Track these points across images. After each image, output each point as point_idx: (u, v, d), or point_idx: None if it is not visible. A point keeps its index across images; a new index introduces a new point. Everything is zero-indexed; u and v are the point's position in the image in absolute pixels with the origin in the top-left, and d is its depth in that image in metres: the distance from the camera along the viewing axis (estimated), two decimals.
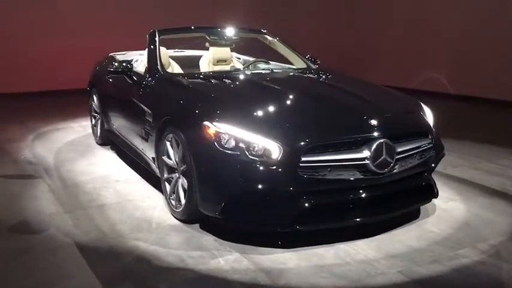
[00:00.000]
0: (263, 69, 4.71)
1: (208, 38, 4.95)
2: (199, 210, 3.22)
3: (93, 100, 5.73)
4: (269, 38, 5.23)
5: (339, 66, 10.78)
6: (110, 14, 9.32)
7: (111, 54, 5.74)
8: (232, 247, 3.12)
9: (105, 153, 5.37)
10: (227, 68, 5.12)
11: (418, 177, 3.43)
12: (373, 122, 3.19)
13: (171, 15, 9.02)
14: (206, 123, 3.14)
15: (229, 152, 3.02)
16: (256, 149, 2.98)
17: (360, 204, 3.16)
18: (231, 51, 5.62)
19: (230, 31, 5.14)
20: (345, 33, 11.39)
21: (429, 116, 3.69)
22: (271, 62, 5.13)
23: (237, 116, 3.19)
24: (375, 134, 3.12)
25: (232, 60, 5.45)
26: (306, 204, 2.99)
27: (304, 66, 4.89)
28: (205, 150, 3.11)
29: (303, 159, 2.94)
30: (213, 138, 3.07)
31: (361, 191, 3.13)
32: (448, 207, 3.81)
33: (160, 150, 3.71)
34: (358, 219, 3.13)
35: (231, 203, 3.05)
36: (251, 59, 5.43)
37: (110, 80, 5.03)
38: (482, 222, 3.56)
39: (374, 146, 3.05)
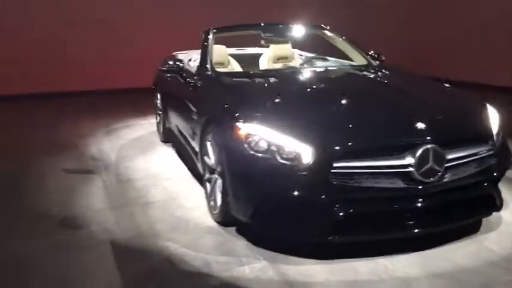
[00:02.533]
0: (318, 67, 4.49)
1: (262, 35, 4.82)
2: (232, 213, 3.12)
3: (157, 98, 5.85)
4: (329, 33, 4.98)
5: (412, 61, 10.28)
6: (178, 11, 9.45)
7: (174, 53, 5.82)
8: (263, 254, 2.98)
9: (166, 151, 5.45)
10: (287, 65, 4.97)
11: (477, 187, 3.06)
12: (421, 125, 2.89)
13: (236, 13, 8.96)
14: (238, 124, 3.01)
15: (260, 154, 2.87)
16: (287, 152, 2.80)
17: (402, 217, 2.88)
18: (293, 47, 5.47)
19: (287, 28, 4.97)
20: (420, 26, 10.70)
21: (494, 119, 3.28)
22: (330, 59, 4.90)
23: (270, 117, 3.04)
24: (421, 139, 2.81)
25: (294, 58, 5.29)
26: (341, 214, 2.77)
27: (365, 63, 4.59)
28: (236, 152, 2.99)
29: (335, 165, 2.72)
30: (244, 139, 2.94)
31: (404, 202, 2.84)
32: None
33: (202, 150, 3.66)
34: (398, 233, 2.86)
35: (261, 209, 2.91)
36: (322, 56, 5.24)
37: (168, 78, 5.08)
38: None
39: (419, 153, 2.76)
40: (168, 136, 5.58)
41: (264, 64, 5.15)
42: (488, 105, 3.40)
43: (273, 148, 2.84)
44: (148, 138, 6.04)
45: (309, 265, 2.85)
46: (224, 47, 4.97)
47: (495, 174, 3.09)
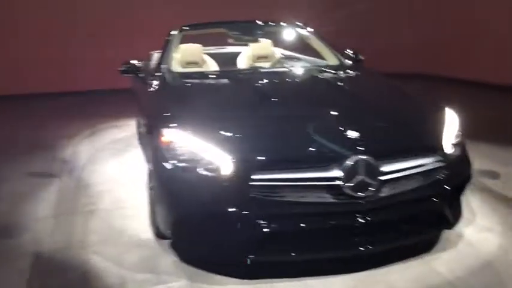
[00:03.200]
0: (283, 68, 4.22)
1: (229, 33, 4.57)
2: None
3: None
4: (303, 32, 4.69)
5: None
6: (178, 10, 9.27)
7: (151, 52, 5.64)
8: (186, 272, 2.75)
9: (139, 154, 5.27)
10: (266, 65, 4.72)
11: (424, 202, 2.74)
12: (354, 134, 2.60)
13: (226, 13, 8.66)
14: (164, 130, 2.79)
15: (181, 164, 2.63)
16: (207, 162, 2.56)
17: (335, 235, 2.60)
18: (275, 46, 5.22)
19: (257, 26, 4.71)
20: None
21: (452, 126, 2.94)
22: (305, 58, 4.65)
23: (199, 124, 2.79)
24: (351, 149, 2.53)
25: (274, 57, 5.04)
26: (264, 230, 2.51)
27: (337, 62, 4.29)
28: (160, 159, 2.76)
29: (254, 177, 2.47)
30: (166, 146, 2.71)
31: (337, 218, 2.56)
32: (477, 240, 3.03)
33: (146, 156, 3.46)
34: (331, 253, 2.59)
35: (181, 223, 2.68)
36: (299, 55, 4.98)
37: (133, 79, 4.90)
38: None
39: (347, 164, 2.47)
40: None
41: (242, 63, 4.92)
42: (446, 112, 3.07)
43: (194, 157, 2.60)
44: (128, 140, 5.87)
45: (231, 285, 2.62)
46: (199, 45, 4.75)
47: (447, 188, 2.76)
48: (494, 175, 4.20)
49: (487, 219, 3.31)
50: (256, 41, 4.73)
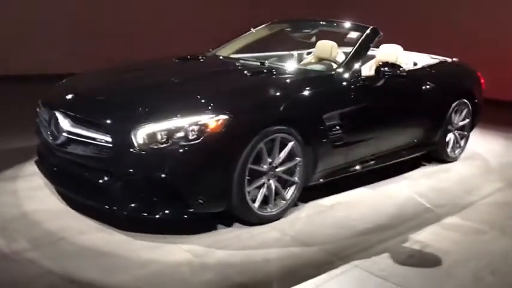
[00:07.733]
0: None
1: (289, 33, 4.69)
2: None
3: None
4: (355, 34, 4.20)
5: None
6: None
7: None
8: None
9: None
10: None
11: (100, 173, 2.94)
12: (81, 98, 3.23)
13: None
14: None
15: None
16: None
17: (47, 162, 3.32)
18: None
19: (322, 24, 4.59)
20: None
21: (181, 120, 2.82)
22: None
23: None
24: (62, 105, 3.13)
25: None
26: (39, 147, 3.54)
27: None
28: None
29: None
30: None
31: (49, 151, 3.24)
32: None
33: None
34: (47, 176, 3.30)
35: None
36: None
37: None
38: None
39: (50, 114, 3.13)
40: None
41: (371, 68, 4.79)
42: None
43: None
44: None
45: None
46: (332, 43, 4.87)
47: (113, 169, 2.87)
48: None
49: None
50: (309, 39, 4.59)
